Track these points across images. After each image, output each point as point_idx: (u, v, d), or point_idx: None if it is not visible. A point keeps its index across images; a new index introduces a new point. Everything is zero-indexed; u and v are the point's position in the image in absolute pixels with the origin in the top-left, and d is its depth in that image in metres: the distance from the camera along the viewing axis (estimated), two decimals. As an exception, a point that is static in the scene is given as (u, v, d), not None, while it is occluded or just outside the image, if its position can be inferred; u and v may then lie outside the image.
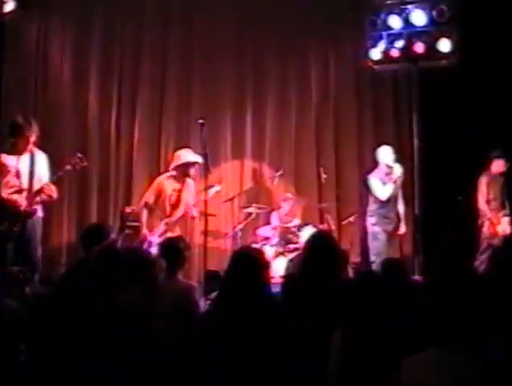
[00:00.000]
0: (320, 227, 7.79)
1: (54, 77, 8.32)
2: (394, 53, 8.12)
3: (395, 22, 8.08)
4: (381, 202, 7.22)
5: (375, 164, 7.44)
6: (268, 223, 8.24)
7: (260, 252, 3.50)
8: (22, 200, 5.73)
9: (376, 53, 8.20)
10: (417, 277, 6.42)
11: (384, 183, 7.21)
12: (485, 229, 7.35)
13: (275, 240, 7.92)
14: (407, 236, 7.91)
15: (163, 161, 8.43)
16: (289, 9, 8.73)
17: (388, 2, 8.14)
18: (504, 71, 7.76)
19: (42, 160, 5.98)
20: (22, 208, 5.70)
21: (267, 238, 7.99)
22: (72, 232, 8.08)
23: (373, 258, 7.14)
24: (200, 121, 6.64)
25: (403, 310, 3.14)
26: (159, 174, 7.62)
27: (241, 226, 7.99)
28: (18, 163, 5.84)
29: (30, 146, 5.87)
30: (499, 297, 2.81)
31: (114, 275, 3.24)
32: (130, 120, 8.52)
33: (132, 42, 8.61)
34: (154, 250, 6.23)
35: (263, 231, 8.11)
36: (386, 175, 7.22)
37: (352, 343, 2.97)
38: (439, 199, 7.81)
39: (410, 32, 8.04)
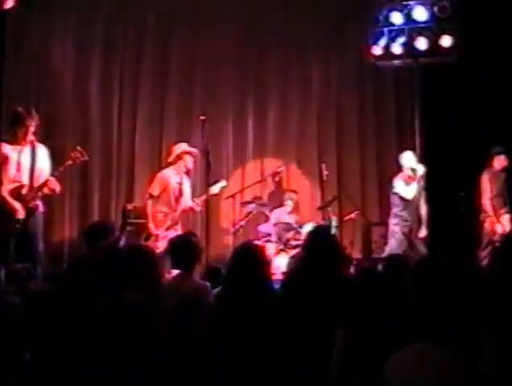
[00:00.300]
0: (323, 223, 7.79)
1: (56, 74, 8.30)
2: (396, 49, 8.11)
3: (397, 18, 8.08)
4: (403, 205, 7.30)
5: (398, 168, 7.50)
6: (269, 220, 8.23)
7: (261, 248, 3.50)
8: (21, 210, 5.71)
9: (378, 49, 8.19)
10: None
11: (408, 184, 7.31)
12: (487, 225, 7.35)
13: (276, 236, 7.91)
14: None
15: (165, 157, 8.42)
16: (291, 5, 8.73)
17: (390, -3, 8.15)
18: (505, 68, 7.75)
19: (43, 154, 5.96)
20: (20, 216, 5.69)
21: (269, 235, 7.99)
22: (74, 228, 8.07)
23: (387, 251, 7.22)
24: (202, 117, 6.65)
25: (405, 306, 3.14)
26: (161, 170, 7.62)
27: (242, 222, 7.99)
28: (20, 156, 5.82)
29: (32, 138, 5.85)
30: (499, 293, 2.80)
31: (117, 272, 3.24)
32: (131, 117, 8.52)
33: (134, 40, 8.60)
34: (162, 244, 6.26)
35: (265, 227, 8.11)
36: (409, 178, 7.31)
37: (354, 342, 2.97)
38: (441, 195, 7.80)
39: (412, 28, 8.03)
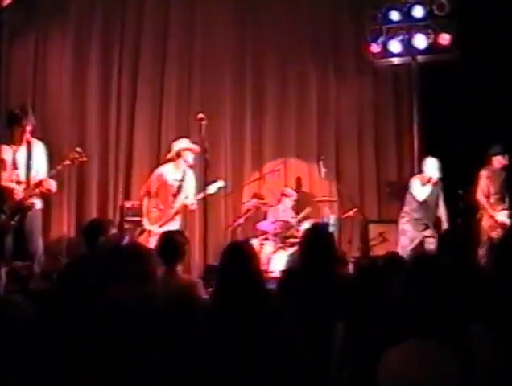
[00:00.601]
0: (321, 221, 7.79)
1: (53, 73, 8.29)
2: (394, 47, 8.12)
3: (395, 16, 8.08)
4: (416, 205, 7.33)
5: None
6: (267, 217, 8.23)
7: (249, 245, 3.50)
8: (19, 191, 5.71)
9: (376, 47, 8.19)
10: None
11: (423, 185, 7.34)
12: (484, 222, 7.36)
13: (275, 234, 7.92)
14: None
15: (163, 155, 8.43)
16: (289, 2, 8.73)
17: (388, -5, 8.15)
18: (504, 65, 7.75)
19: (39, 150, 5.95)
20: (19, 199, 5.67)
21: (267, 232, 7.99)
22: (72, 226, 8.07)
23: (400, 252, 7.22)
24: (200, 115, 6.64)
25: (404, 304, 3.14)
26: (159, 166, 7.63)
27: (241, 220, 7.99)
28: (16, 155, 5.81)
29: (28, 136, 5.85)
30: (498, 291, 2.81)
31: (114, 271, 3.23)
32: (129, 115, 8.50)
33: (132, 38, 8.58)
34: (154, 240, 6.23)
35: (263, 225, 8.11)
36: (426, 180, 7.34)
37: (353, 340, 2.97)
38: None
39: (411, 26, 8.03)
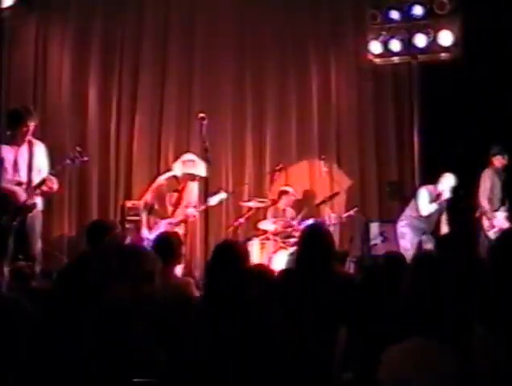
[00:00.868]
0: (322, 220, 7.79)
1: (54, 73, 8.30)
2: (395, 46, 8.11)
3: (395, 15, 8.08)
4: (418, 215, 7.36)
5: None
6: (267, 217, 8.23)
7: (240, 245, 3.51)
8: (22, 192, 5.71)
9: (376, 46, 8.19)
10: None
11: (432, 201, 7.30)
12: (483, 222, 7.36)
13: (276, 233, 7.92)
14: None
15: (163, 155, 8.44)
16: (289, 3, 8.73)
17: (388, -6, 8.15)
18: (505, 64, 7.74)
19: (40, 151, 5.93)
20: (23, 200, 5.67)
21: (268, 232, 7.99)
22: (73, 226, 8.08)
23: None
24: (201, 115, 6.64)
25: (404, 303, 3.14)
26: (159, 168, 7.67)
27: (241, 220, 7.99)
28: (17, 155, 5.80)
29: (29, 137, 5.83)
30: (497, 291, 2.81)
31: (113, 270, 3.22)
32: (130, 114, 8.52)
33: (132, 38, 8.60)
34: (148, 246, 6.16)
35: (264, 225, 8.10)
36: (437, 196, 7.31)
37: (357, 338, 2.98)
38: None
39: (411, 25, 8.03)
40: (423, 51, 8.05)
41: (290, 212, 8.19)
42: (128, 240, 6.63)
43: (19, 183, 5.75)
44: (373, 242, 7.89)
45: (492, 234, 7.10)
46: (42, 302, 2.84)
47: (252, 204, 8.08)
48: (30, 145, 5.83)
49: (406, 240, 7.33)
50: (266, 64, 8.90)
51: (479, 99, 7.79)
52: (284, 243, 7.82)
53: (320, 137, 8.89)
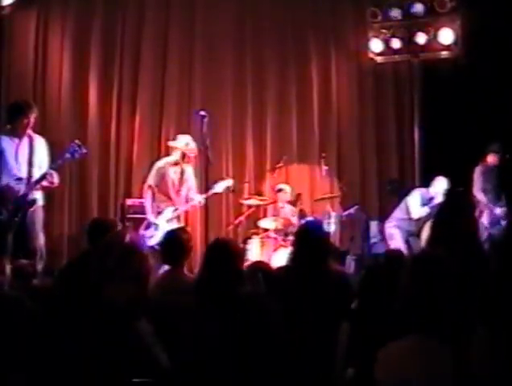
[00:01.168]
0: (322, 218, 7.79)
1: (54, 67, 8.28)
2: (395, 44, 8.11)
3: (396, 13, 8.07)
4: (408, 217, 7.29)
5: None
6: (267, 215, 8.23)
7: (234, 243, 3.50)
8: (21, 187, 5.69)
9: (377, 44, 8.19)
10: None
11: (423, 205, 7.23)
12: (484, 219, 7.35)
13: (276, 231, 7.92)
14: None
15: (164, 152, 8.43)
16: (289, 1, 8.73)
17: (389, -8, 8.14)
18: (505, 62, 7.74)
19: (41, 146, 5.91)
20: (21, 194, 5.66)
21: (268, 230, 7.98)
22: (73, 223, 8.07)
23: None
24: (201, 112, 6.64)
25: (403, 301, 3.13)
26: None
27: (242, 218, 7.99)
28: (18, 149, 5.78)
29: (29, 131, 5.82)
30: (499, 288, 2.81)
31: (107, 270, 3.21)
32: (130, 111, 8.51)
33: (133, 32, 8.58)
34: (160, 234, 6.18)
35: (264, 222, 8.10)
36: (429, 199, 7.24)
37: (358, 336, 2.97)
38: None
39: (412, 23, 8.03)
40: (423, 49, 8.05)
41: (289, 209, 8.18)
42: (127, 239, 6.61)
43: (19, 179, 5.73)
44: (373, 240, 7.89)
45: (495, 231, 7.05)
46: (43, 301, 2.83)
47: (252, 202, 8.08)
48: (31, 140, 5.82)
49: (397, 240, 7.25)
50: (266, 62, 8.89)
51: (480, 97, 7.79)
52: (284, 241, 7.81)
53: (320, 135, 8.89)
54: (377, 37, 8.18)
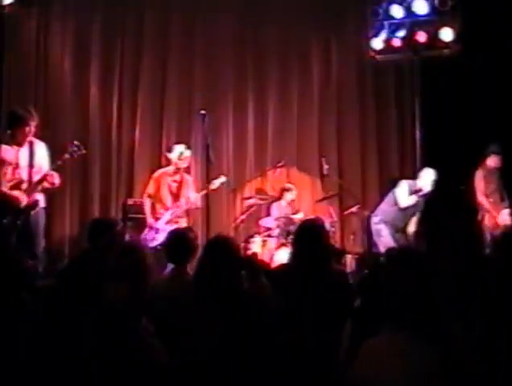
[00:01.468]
0: (323, 218, 7.78)
1: (55, 68, 8.27)
2: (396, 42, 8.11)
3: (397, 11, 8.06)
4: (395, 209, 7.28)
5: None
6: (270, 214, 8.24)
7: (232, 240, 3.50)
8: (23, 196, 5.69)
9: (378, 43, 8.18)
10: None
11: (410, 193, 7.24)
12: (486, 222, 7.33)
13: (278, 230, 7.92)
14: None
15: (165, 152, 8.43)
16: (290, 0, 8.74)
17: (390, -10, 8.13)
18: (506, 61, 7.73)
19: (41, 150, 5.92)
20: (24, 204, 5.66)
21: (270, 229, 7.99)
22: (74, 224, 8.07)
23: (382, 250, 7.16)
24: (202, 111, 6.65)
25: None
26: (160, 166, 7.68)
27: (243, 217, 7.99)
28: (18, 156, 5.79)
29: (30, 137, 5.82)
30: (500, 286, 2.81)
31: (108, 269, 3.21)
32: (131, 111, 8.50)
33: (133, 33, 8.57)
34: (161, 236, 6.32)
35: (266, 221, 8.11)
36: (416, 190, 7.26)
37: (359, 335, 2.97)
38: (442, 188, 7.79)
39: (412, 21, 8.02)
40: (424, 47, 8.03)
41: (292, 209, 8.19)
42: (127, 238, 6.67)
43: (20, 182, 5.73)
44: (374, 239, 7.87)
45: (498, 233, 7.03)
46: (44, 302, 2.83)
47: (253, 201, 8.09)
48: (31, 144, 5.82)
49: (385, 236, 7.23)
50: (267, 61, 8.89)
51: (480, 95, 7.78)
52: (286, 240, 7.81)
53: (321, 133, 8.90)
54: (378, 35, 8.16)
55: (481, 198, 7.32)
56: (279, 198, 8.30)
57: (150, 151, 8.49)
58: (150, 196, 7.13)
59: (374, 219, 7.39)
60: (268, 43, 8.87)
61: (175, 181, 7.11)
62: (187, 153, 7.17)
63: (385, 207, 7.40)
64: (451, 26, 7.82)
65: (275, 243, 7.74)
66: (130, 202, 7.78)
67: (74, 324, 2.66)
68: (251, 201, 8.11)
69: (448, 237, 6.95)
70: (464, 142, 7.72)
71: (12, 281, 2.77)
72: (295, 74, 8.95)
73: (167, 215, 7.00)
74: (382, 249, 7.12)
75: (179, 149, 7.16)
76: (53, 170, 5.83)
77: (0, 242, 5.30)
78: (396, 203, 7.29)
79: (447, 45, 7.91)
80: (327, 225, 6.14)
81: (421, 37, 7.94)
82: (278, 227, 7.91)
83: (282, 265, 4.13)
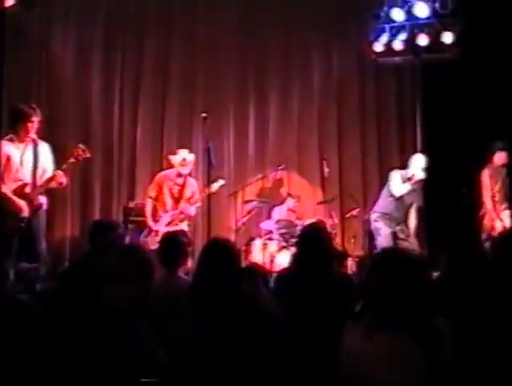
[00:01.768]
0: (324, 220, 7.78)
1: (57, 69, 8.28)
2: (397, 46, 8.10)
3: (398, 14, 8.06)
4: (391, 200, 7.21)
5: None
6: (270, 217, 8.23)
7: (230, 242, 3.51)
8: (26, 207, 5.69)
9: (379, 46, 8.18)
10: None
11: (403, 182, 7.18)
12: (486, 221, 7.33)
13: (279, 233, 7.92)
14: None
15: (166, 154, 8.43)
16: (291, 2, 8.73)
17: (391, -6, 8.13)
18: (507, 63, 7.72)
19: (45, 151, 5.93)
20: (25, 214, 5.66)
21: (271, 232, 7.99)
22: (76, 226, 8.07)
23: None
24: (203, 115, 6.66)
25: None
26: (162, 169, 7.68)
27: (244, 220, 7.99)
28: (22, 154, 5.78)
29: (34, 136, 5.82)
30: (498, 285, 2.81)
31: (109, 272, 3.21)
32: (132, 114, 8.51)
33: (135, 37, 8.58)
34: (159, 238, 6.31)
35: (266, 225, 8.11)
36: (408, 179, 7.19)
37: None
38: (443, 191, 7.79)
39: (413, 24, 8.01)
40: (425, 50, 8.03)
41: (294, 213, 8.20)
42: (128, 240, 6.68)
43: (24, 185, 5.73)
44: (375, 241, 7.86)
45: (495, 233, 7.02)
46: (45, 303, 2.83)
47: (255, 204, 8.09)
48: (35, 145, 5.83)
49: (382, 237, 7.13)
50: (268, 64, 8.90)
51: (481, 97, 7.78)
52: (287, 243, 7.81)
53: (321, 137, 8.90)
54: (378, 38, 8.17)
55: (487, 198, 7.30)
56: (282, 202, 8.31)
57: (151, 154, 8.50)
58: (151, 198, 7.13)
59: (373, 216, 7.31)
60: (269, 47, 8.88)
61: (177, 184, 7.10)
62: (191, 157, 7.13)
63: (381, 201, 7.34)
64: (452, 30, 7.82)
65: (276, 246, 7.73)
66: (131, 205, 7.79)
67: (74, 326, 2.66)
68: (252, 204, 8.11)
69: (447, 234, 6.94)
70: (466, 145, 7.72)
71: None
72: (296, 77, 8.95)
73: (166, 218, 7.00)
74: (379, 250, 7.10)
75: (182, 153, 7.13)
76: (62, 170, 5.84)
77: None
78: (391, 195, 7.24)
79: (448, 48, 7.90)
80: (328, 228, 6.16)
81: (422, 40, 7.94)
82: (278, 230, 7.90)
83: (285, 269, 4.12)
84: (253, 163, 8.79)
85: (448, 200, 7.47)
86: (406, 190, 7.14)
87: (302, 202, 8.49)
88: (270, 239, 7.85)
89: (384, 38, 8.12)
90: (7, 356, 2.55)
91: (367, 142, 8.93)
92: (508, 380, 2.44)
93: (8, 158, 5.69)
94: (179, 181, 7.10)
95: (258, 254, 7.54)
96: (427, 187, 7.81)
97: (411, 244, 7.06)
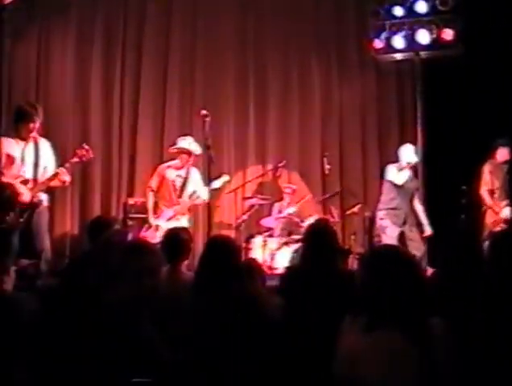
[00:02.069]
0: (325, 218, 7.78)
1: (56, 70, 8.27)
2: (398, 43, 8.09)
3: (398, 11, 8.05)
4: (393, 193, 7.21)
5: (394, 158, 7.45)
6: (271, 214, 8.24)
7: (231, 239, 3.51)
8: (27, 194, 5.68)
9: (379, 43, 8.17)
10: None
11: (400, 170, 7.21)
12: (487, 218, 7.32)
13: (279, 230, 7.92)
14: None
15: (166, 152, 8.42)
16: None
17: (391, -9, 8.12)
18: (508, 60, 7.72)
19: (47, 149, 5.92)
20: (27, 201, 5.65)
21: (271, 229, 7.99)
22: (75, 224, 8.07)
23: None
24: (203, 112, 6.65)
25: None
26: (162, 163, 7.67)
27: (244, 217, 7.99)
28: (23, 152, 5.77)
29: (35, 134, 5.82)
30: (497, 284, 2.81)
31: (113, 268, 3.21)
32: (132, 111, 8.50)
33: (134, 35, 8.57)
34: (160, 233, 6.29)
35: (267, 221, 8.11)
36: (403, 167, 7.22)
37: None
38: (444, 189, 7.79)
39: (414, 21, 8.00)
40: (425, 47, 8.02)
41: (294, 209, 8.19)
42: (130, 237, 6.67)
43: (25, 181, 5.73)
44: (376, 239, 7.86)
45: (497, 229, 7.00)
46: (46, 301, 2.83)
47: (255, 201, 8.09)
48: (36, 142, 5.82)
49: (388, 236, 7.14)
50: (268, 62, 8.90)
51: (481, 94, 7.78)
52: (287, 239, 7.81)
53: (322, 133, 8.90)
54: (379, 35, 8.15)
55: (484, 193, 7.30)
56: (281, 198, 8.30)
57: (151, 151, 8.49)
58: (152, 191, 7.02)
59: (379, 214, 7.32)
60: (269, 43, 8.87)
61: (179, 176, 7.01)
62: (195, 145, 7.03)
63: (384, 198, 7.34)
64: (452, 26, 7.81)
65: (276, 243, 7.73)
66: (131, 202, 7.78)
67: (74, 324, 2.66)
68: (252, 201, 8.11)
69: (447, 234, 6.94)
70: (466, 142, 7.72)
71: None
72: (297, 74, 8.94)
73: (168, 213, 6.93)
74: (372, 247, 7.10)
75: (187, 139, 7.05)
76: (66, 168, 5.83)
77: None
78: (391, 189, 7.23)
79: (448, 45, 7.89)
80: (331, 225, 6.14)
81: (422, 37, 7.93)
82: (279, 227, 7.90)
83: (289, 268, 4.13)
84: (253, 160, 8.79)
85: (449, 198, 7.47)
86: (406, 176, 7.20)
87: (301, 197, 8.46)
88: (270, 236, 7.85)
89: (384, 35, 8.11)
90: (6, 355, 2.55)
91: (368, 139, 8.93)
92: (509, 380, 2.44)
93: (8, 156, 5.68)
94: (182, 173, 7.00)
95: (258, 251, 7.54)
96: (428, 186, 7.83)
97: (418, 244, 7.07)
